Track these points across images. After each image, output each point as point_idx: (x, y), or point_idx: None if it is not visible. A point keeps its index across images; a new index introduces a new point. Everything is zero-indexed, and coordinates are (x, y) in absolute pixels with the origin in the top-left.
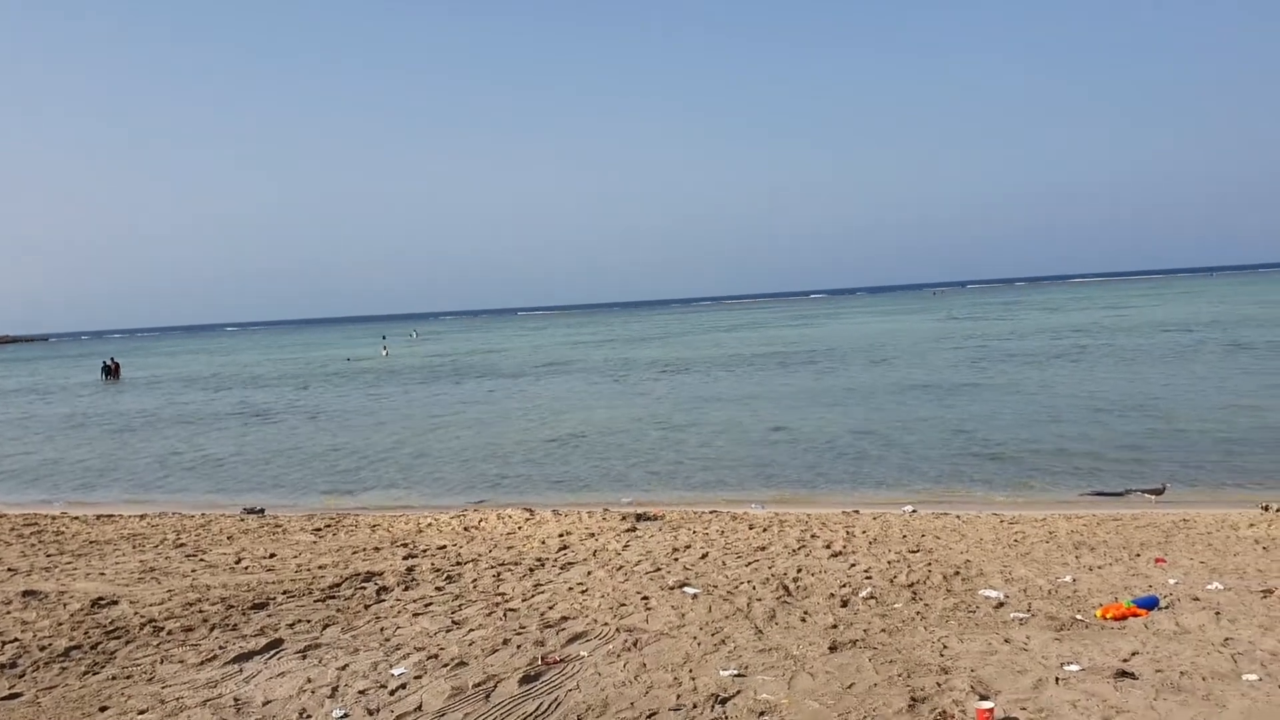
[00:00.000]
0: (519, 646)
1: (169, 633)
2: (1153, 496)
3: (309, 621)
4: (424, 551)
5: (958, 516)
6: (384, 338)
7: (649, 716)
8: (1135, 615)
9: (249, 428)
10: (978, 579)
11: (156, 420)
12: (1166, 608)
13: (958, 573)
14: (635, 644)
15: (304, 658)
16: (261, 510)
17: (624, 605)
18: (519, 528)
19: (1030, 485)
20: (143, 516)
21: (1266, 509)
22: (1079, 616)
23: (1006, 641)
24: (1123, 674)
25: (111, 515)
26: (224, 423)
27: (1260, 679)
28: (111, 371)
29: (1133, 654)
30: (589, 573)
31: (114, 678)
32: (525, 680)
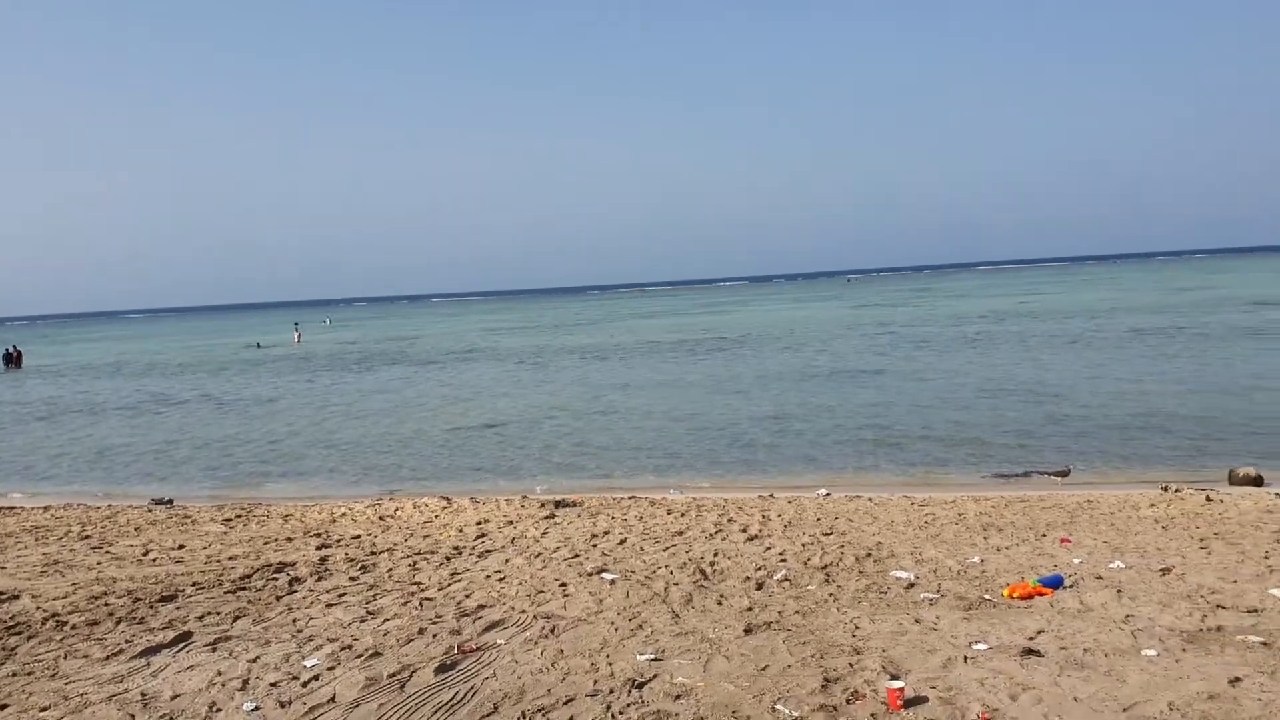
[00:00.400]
0: (435, 636)
1: (73, 627)
2: (1058, 478)
3: (219, 613)
4: (338, 541)
5: (870, 499)
6: (296, 324)
7: (566, 703)
8: (1041, 594)
9: (157, 417)
10: (889, 560)
11: (60, 409)
12: (1071, 586)
13: (870, 554)
14: (553, 631)
15: (214, 650)
16: (170, 501)
17: (542, 592)
18: (435, 516)
19: (939, 468)
20: (46, 508)
21: (1166, 489)
22: (987, 596)
23: (917, 621)
24: (1029, 652)
25: (13, 508)
26: (131, 412)
27: (1158, 654)
28: (13, 359)
29: (1038, 632)
30: (507, 560)
31: (14, 674)
32: (441, 669)
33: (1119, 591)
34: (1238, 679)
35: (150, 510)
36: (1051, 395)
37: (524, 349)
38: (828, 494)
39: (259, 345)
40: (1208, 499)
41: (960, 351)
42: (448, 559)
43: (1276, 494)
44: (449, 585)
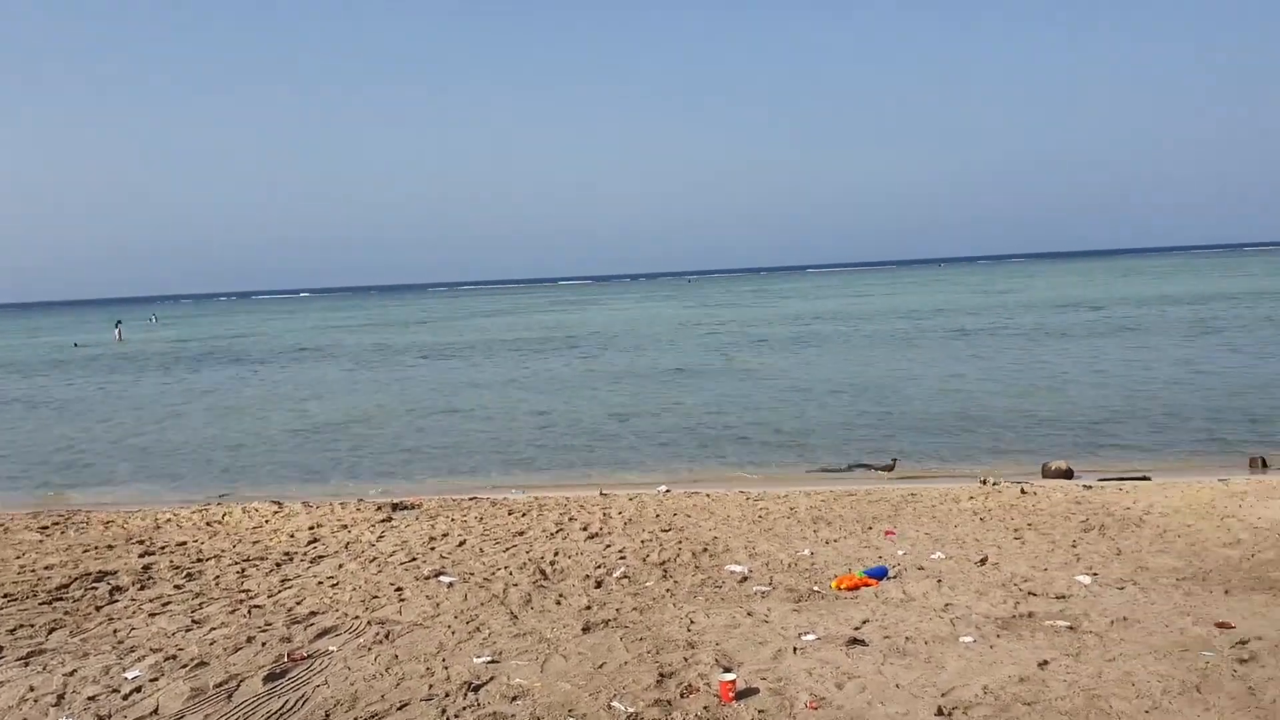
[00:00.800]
0: (264, 644)
1: None
2: (884, 472)
3: (33, 626)
4: (162, 549)
5: (708, 495)
6: (118, 322)
7: (400, 708)
8: (867, 585)
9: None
10: (724, 555)
11: None
12: (895, 577)
13: (706, 549)
14: (387, 636)
15: (26, 665)
16: None
17: (376, 597)
18: (266, 521)
19: (773, 464)
20: None
21: (984, 483)
22: (816, 588)
23: (749, 614)
24: (854, 641)
25: None
26: None
27: (974, 640)
28: None
29: (864, 622)
30: (340, 565)
31: None
32: (270, 678)
33: (939, 581)
34: (1046, 662)
35: None
36: (878, 392)
37: (366, 347)
38: (668, 490)
39: (76, 345)
40: (1022, 491)
41: (794, 351)
42: (278, 565)
43: (1085, 486)
44: (279, 592)
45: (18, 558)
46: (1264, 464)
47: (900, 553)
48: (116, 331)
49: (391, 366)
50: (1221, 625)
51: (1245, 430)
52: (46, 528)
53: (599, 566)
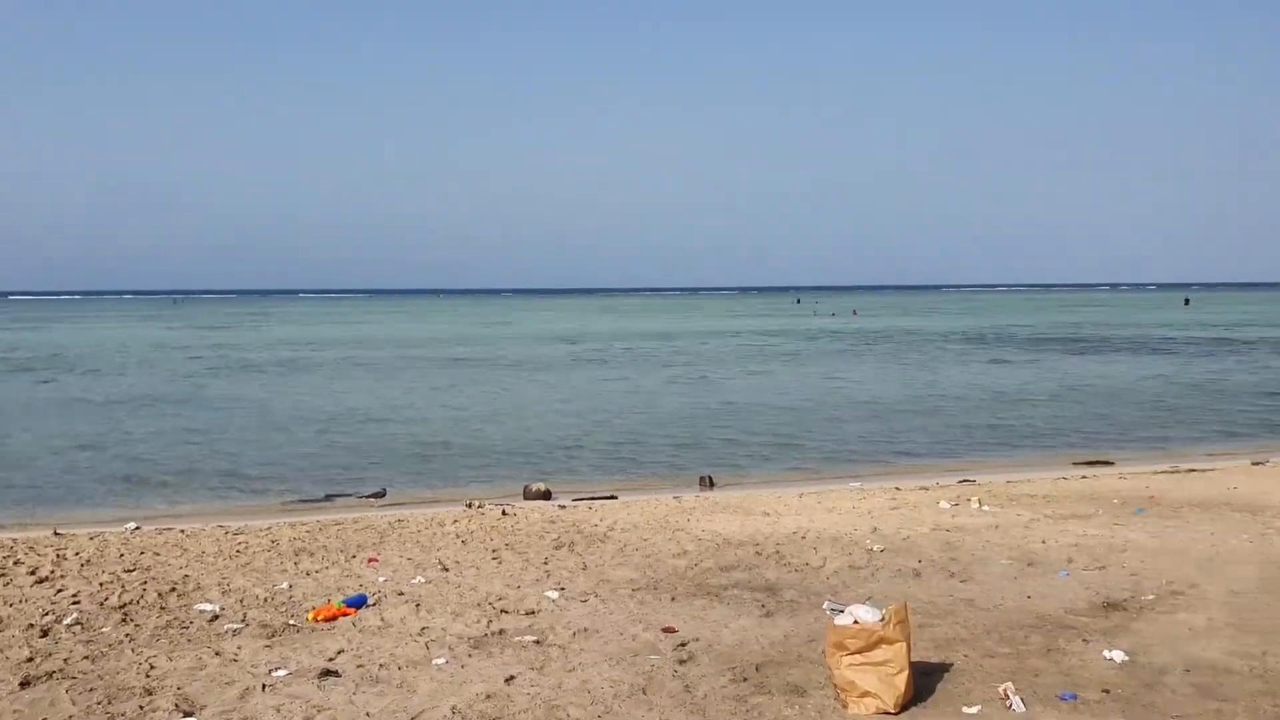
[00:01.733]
0: None
1: None
2: (373, 499)
3: None
4: None
5: (182, 531)
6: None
7: None
8: (345, 615)
9: None
10: (195, 593)
11: None
12: (374, 604)
13: (174, 589)
14: None
15: None
16: None
17: None
18: None
19: (252, 496)
20: None
21: (470, 506)
22: (292, 621)
23: (217, 654)
24: (327, 673)
25: None
26: None
27: (447, 661)
28: None
29: (339, 652)
30: None
31: None
32: None
33: (418, 605)
34: (512, 677)
35: None
36: (376, 420)
37: None
38: (136, 528)
39: None
40: (504, 513)
41: (292, 376)
42: None
43: (560, 506)
44: None
45: None
46: (711, 482)
47: (381, 579)
48: None
49: None
50: (667, 630)
51: (698, 453)
52: None
53: (46, 614)
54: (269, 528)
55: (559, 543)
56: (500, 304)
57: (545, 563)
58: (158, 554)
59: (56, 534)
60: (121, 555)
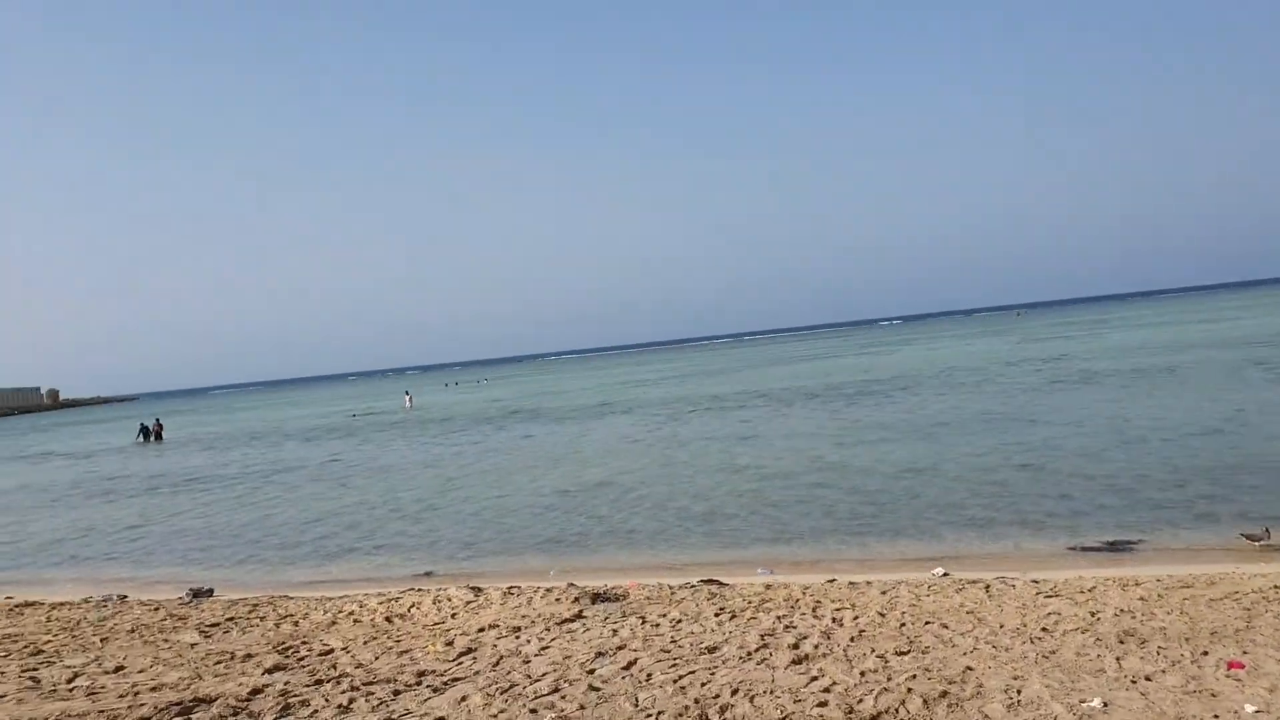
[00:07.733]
0: None
1: None
2: (1253, 541)
3: None
4: (300, 661)
5: (986, 587)
6: (407, 392)
7: None
8: None
9: (280, 489)
10: (970, 703)
11: (169, 484)
12: None
13: (945, 694)
14: None
15: None
16: (210, 591)
17: None
18: (452, 615)
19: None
20: (61, 604)
21: None
22: None
23: None
24: None
25: (32, 603)
26: (245, 484)
27: None
28: (153, 433)
29: None
30: (463, 699)
31: None
32: None
33: None
34: None
35: (185, 602)
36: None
37: (661, 400)
38: (945, 574)
39: (353, 416)
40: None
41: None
42: (396, 694)
43: None
44: None
45: (142, 671)
46: None
47: (1251, 709)
48: (406, 399)
49: (683, 420)
50: None
51: None
52: (217, 624)
53: (784, 717)
54: (1093, 589)
55: None
56: None
57: None
58: (944, 625)
59: (850, 585)
60: (901, 625)
